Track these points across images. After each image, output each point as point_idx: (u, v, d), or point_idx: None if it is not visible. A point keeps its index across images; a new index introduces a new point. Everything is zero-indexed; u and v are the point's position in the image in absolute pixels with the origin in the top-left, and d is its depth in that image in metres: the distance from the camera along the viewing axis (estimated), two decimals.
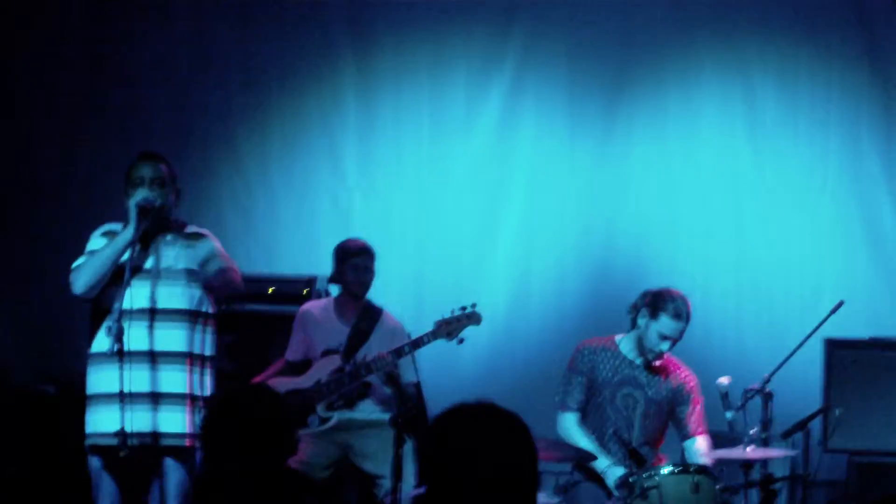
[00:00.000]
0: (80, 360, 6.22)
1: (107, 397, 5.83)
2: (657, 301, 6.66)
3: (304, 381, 7.15)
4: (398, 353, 6.98)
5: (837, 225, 8.61)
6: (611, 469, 6.42)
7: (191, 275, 6.00)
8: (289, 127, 9.10)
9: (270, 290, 8.11)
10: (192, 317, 6.01)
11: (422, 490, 2.88)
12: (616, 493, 6.23)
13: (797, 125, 8.71)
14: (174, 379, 5.93)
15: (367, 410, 7.19)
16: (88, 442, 5.96)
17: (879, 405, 7.68)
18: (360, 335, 7.24)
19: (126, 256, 5.81)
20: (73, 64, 9.08)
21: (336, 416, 7.14)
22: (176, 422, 5.90)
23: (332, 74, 9.07)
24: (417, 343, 6.99)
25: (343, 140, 9.05)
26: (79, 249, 6.09)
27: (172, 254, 5.99)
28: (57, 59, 9.08)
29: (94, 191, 8.54)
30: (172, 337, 5.94)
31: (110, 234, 6.00)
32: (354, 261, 7.28)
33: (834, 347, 7.82)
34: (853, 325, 7.78)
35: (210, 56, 9.12)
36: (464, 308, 7.00)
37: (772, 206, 8.69)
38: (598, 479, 6.53)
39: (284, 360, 7.35)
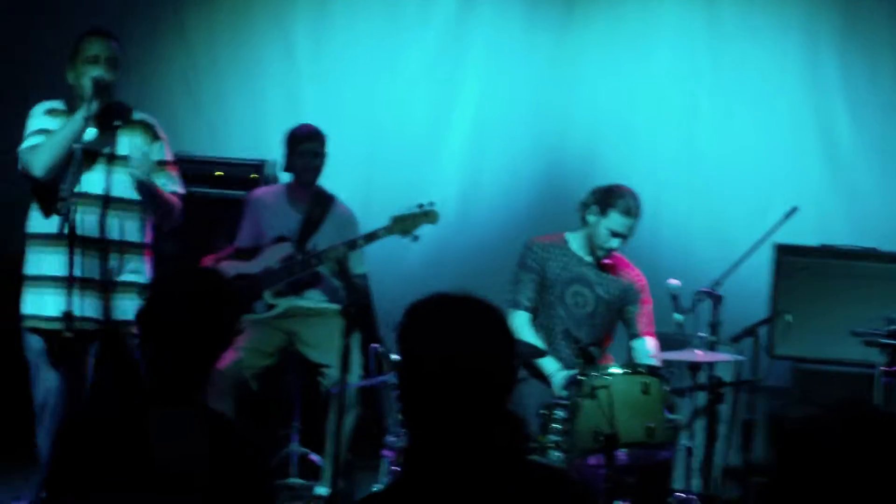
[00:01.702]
0: (15, 238, 6.06)
1: (51, 280, 5.70)
2: (607, 197, 6.61)
3: (253, 267, 7.05)
4: (351, 245, 6.89)
5: (792, 130, 8.58)
6: (559, 373, 6.37)
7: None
8: (239, 9, 8.93)
9: (218, 173, 7.98)
10: (144, 207, 5.92)
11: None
12: (561, 393, 6.18)
13: (756, 27, 8.63)
14: (131, 269, 5.83)
15: (315, 299, 7.13)
16: (28, 324, 5.83)
17: (825, 313, 7.66)
18: (311, 223, 7.15)
19: (78, 141, 5.68)
20: None
21: (283, 303, 7.06)
22: (128, 310, 5.79)
23: None
24: (371, 237, 6.90)
25: (294, 25, 8.91)
26: (24, 120, 5.92)
27: (127, 141, 5.86)
28: None
29: (39, 66, 8.31)
30: (129, 228, 5.84)
31: (54, 112, 5.86)
32: (302, 147, 7.18)
33: (783, 253, 7.81)
34: (803, 232, 7.75)
35: None
36: (421, 205, 6.91)
37: (727, 109, 8.64)
38: (543, 376, 6.49)
39: (234, 246, 7.25)
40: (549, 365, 6.44)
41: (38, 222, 5.83)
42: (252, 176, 7.95)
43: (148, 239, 6.00)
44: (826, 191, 8.45)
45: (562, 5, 8.77)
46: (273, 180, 7.98)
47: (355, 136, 8.66)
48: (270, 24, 8.91)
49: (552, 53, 8.77)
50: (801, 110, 8.57)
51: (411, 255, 8.17)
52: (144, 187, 5.79)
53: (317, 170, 7.21)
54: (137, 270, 5.89)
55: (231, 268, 6.97)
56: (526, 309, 6.63)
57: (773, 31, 8.64)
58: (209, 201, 7.70)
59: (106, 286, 5.77)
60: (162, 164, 6.00)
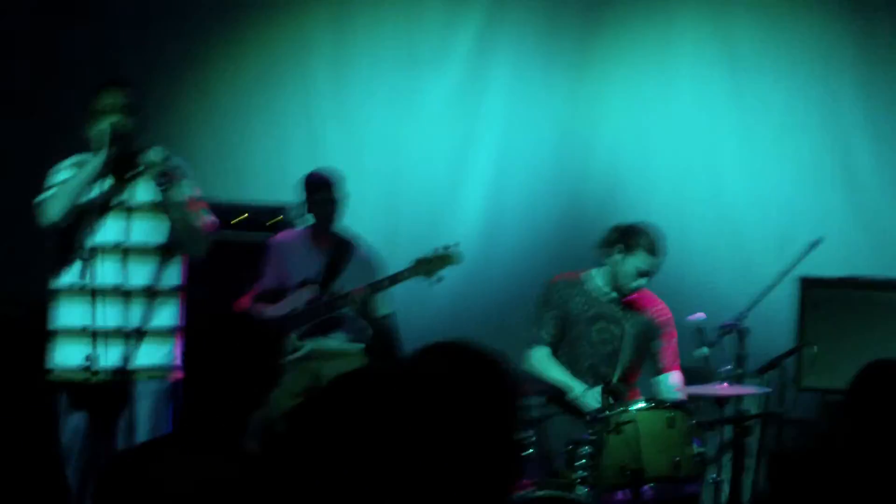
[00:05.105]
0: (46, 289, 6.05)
1: (75, 331, 5.69)
2: (632, 236, 6.58)
3: (279, 309, 7.11)
4: (375, 287, 6.95)
5: (813, 162, 8.56)
6: (585, 395, 6.35)
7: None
8: (262, 54, 9.01)
9: (241, 217, 8.03)
10: (165, 250, 5.86)
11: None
12: (592, 415, 6.18)
13: (776, 61, 8.64)
14: (159, 314, 5.79)
15: (340, 339, 7.17)
16: (54, 377, 5.82)
17: (852, 344, 7.63)
18: (335, 265, 7.21)
19: (96, 190, 5.67)
20: None
21: (308, 345, 7.11)
22: (154, 355, 5.76)
23: (307, 1, 8.96)
24: (395, 279, 6.97)
25: (317, 68, 8.96)
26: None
27: (145, 186, 5.83)
28: None
29: (64, 118, 8.34)
30: (153, 273, 5.79)
31: (82, 164, 5.83)
32: (316, 196, 7.26)
33: (808, 285, 7.79)
34: (827, 264, 7.74)
35: None
36: (445, 247, 6.97)
37: (748, 143, 8.63)
38: (571, 411, 6.47)
39: (258, 288, 7.29)
40: (574, 389, 6.43)
41: (61, 275, 5.81)
42: (276, 220, 7.99)
43: (179, 281, 5.90)
44: (849, 222, 8.42)
45: (581, 42, 8.79)
46: (296, 223, 8.01)
47: (377, 176, 8.71)
48: (292, 67, 8.97)
49: (571, 91, 8.79)
50: (822, 142, 8.56)
51: (436, 294, 8.15)
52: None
53: (332, 216, 7.27)
54: (166, 315, 5.82)
55: (258, 310, 7.04)
56: (547, 344, 6.63)
57: (791, 65, 8.64)
58: (233, 245, 7.73)
59: (129, 334, 5.73)
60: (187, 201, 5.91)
